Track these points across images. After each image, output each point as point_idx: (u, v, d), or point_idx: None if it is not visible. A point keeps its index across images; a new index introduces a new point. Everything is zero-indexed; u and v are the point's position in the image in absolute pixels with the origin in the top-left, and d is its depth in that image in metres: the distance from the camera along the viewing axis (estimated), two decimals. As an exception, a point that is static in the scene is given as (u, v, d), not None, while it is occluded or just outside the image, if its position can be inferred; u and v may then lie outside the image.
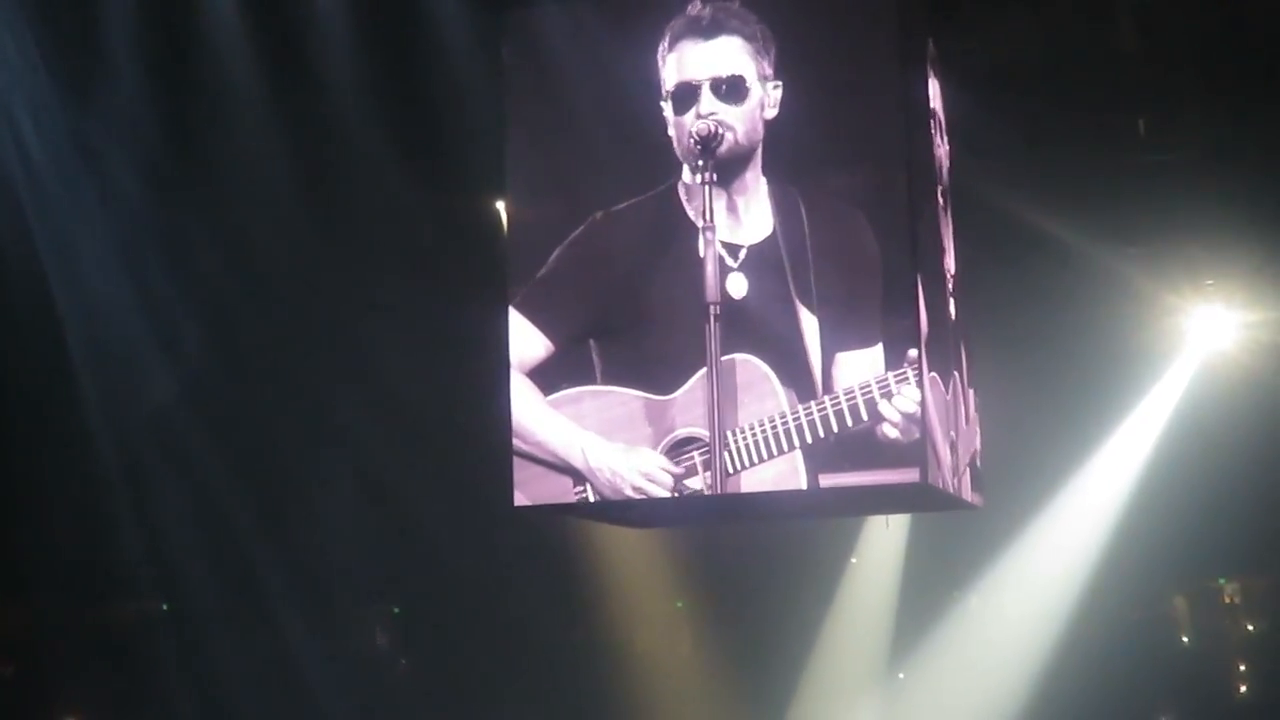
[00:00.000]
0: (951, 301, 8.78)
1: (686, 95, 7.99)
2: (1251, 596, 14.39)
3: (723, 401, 7.83)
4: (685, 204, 8.02)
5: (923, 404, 7.75)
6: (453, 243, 11.79)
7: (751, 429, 7.87)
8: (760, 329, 7.88)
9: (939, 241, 8.64)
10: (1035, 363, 12.19)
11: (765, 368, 7.87)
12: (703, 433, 7.90)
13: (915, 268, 7.86)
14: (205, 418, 12.19)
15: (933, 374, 8.00)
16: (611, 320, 8.08)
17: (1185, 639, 14.61)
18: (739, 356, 7.90)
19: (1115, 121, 10.83)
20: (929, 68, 8.59)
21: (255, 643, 12.83)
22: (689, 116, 7.95)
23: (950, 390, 8.47)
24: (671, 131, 8.01)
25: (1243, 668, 14.69)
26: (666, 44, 8.07)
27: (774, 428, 7.85)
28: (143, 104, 10.56)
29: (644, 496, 8.03)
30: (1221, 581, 14.40)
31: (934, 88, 8.64)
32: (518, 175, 8.42)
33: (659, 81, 8.05)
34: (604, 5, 8.38)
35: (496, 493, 8.28)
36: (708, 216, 7.74)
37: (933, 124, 8.58)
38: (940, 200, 8.71)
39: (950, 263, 8.83)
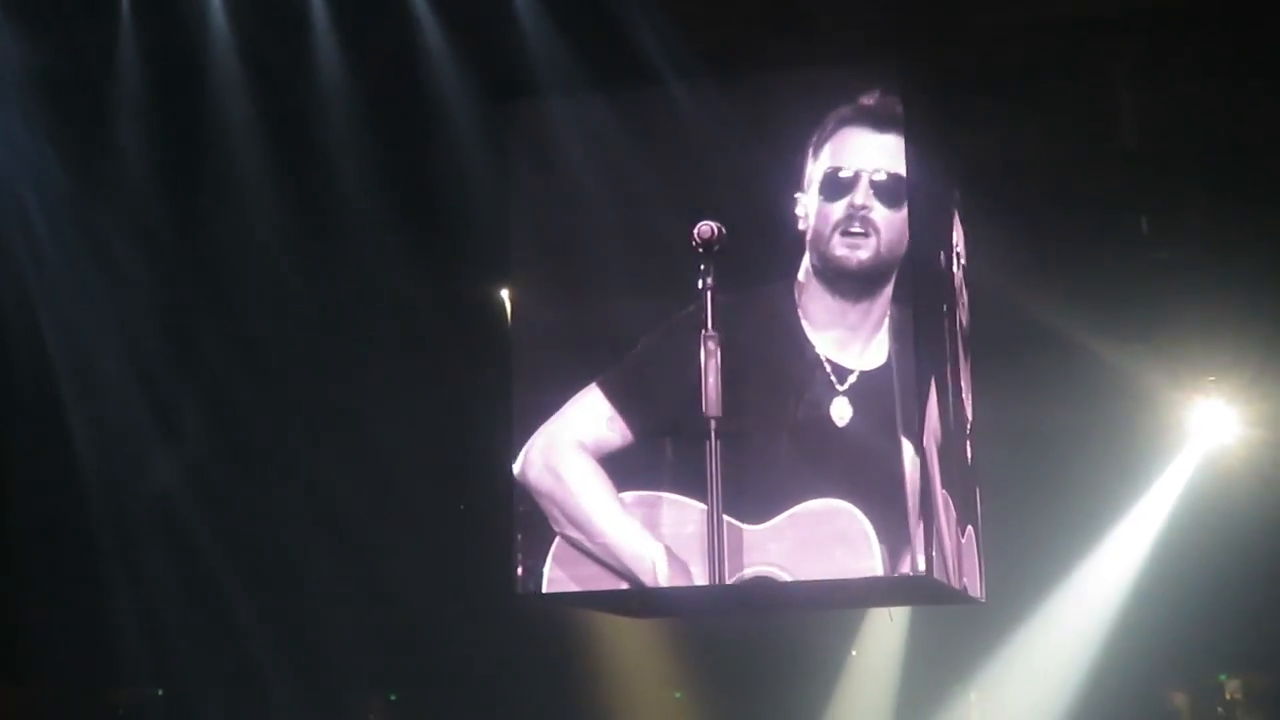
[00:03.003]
0: (969, 446, 8.54)
1: (842, 184, 7.57)
2: (1252, 694, 14.28)
3: (811, 547, 7.37)
4: (799, 306, 7.59)
5: (923, 475, 7.49)
6: (457, 330, 11.78)
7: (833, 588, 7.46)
8: (859, 467, 7.41)
9: (957, 393, 8.43)
10: (1038, 457, 12.18)
11: (866, 523, 7.37)
12: (781, 575, 7.44)
13: (921, 367, 7.61)
14: (205, 503, 12.14)
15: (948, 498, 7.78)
16: (700, 421, 7.51)
17: (1186, 736, 14.52)
18: (838, 503, 7.40)
19: (1118, 219, 10.87)
20: (955, 214, 8.42)
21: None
22: (839, 205, 7.55)
23: (967, 538, 8.25)
24: (811, 220, 7.56)
25: (1244, 765, 14.59)
26: (827, 128, 7.69)
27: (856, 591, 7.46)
28: (150, 191, 10.58)
29: (643, 585, 7.65)
30: (1222, 678, 14.30)
31: (957, 227, 8.51)
32: (522, 266, 8.36)
33: (801, 166, 7.65)
34: (612, 99, 8.31)
35: (497, 580, 8.21)
36: (709, 324, 7.35)
37: (955, 268, 8.42)
38: (962, 345, 8.51)
39: (968, 410, 8.61)
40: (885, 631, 13.29)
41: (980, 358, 9.18)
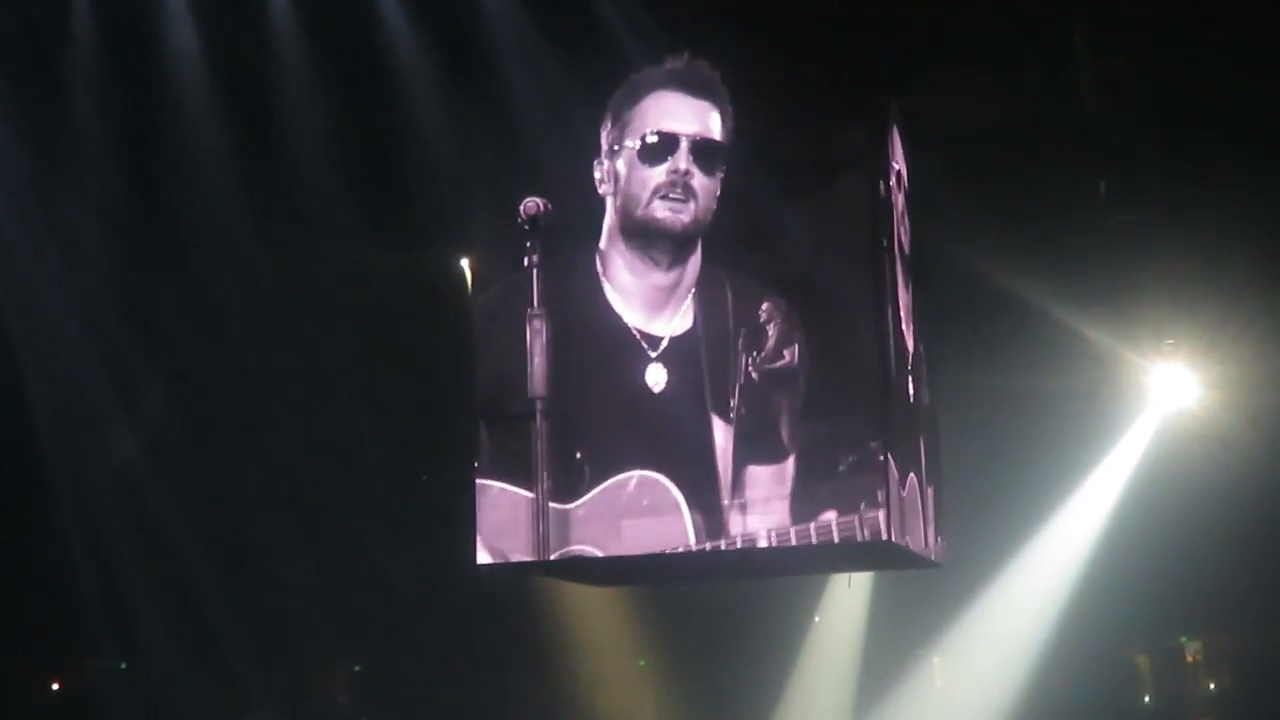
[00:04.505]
0: (910, 382, 8.24)
1: (662, 148, 7.38)
2: (1213, 655, 14.39)
3: (624, 520, 7.23)
4: (601, 274, 7.45)
5: (885, 448, 7.31)
6: (418, 300, 11.75)
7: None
8: (672, 435, 7.29)
9: (896, 325, 8.30)
10: (997, 421, 12.20)
11: (675, 492, 7.25)
12: (596, 554, 7.31)
13: (884, 355, 7.43)
14: (167, 477, 12.11)
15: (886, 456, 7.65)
16: (504, 399, 7.33)
17: (1147, 698, 14.61)
18: (648, 475, 7.29)
19: (1076, 182, 10.89)
20: (891, 127, 8.33)
21: (214, 701, 12.72)
22: (658, 170, 7.37)
23: (907, 488, 8.14)
24: (623, 184, 7.39)
25: (1204, 727, 14.70)
26: (634, 92, 7.49)
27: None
28: (110, 167, 10.52)
29: (607, 555, 7.43)
30: (1183, 640, 14.41)
31: (896, 145, 8.41)
32: (483, 236, 8.28)
33: (597, 128, 7.47)
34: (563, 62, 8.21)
35: (459, 551, 8.20)
36: (535, 302, 7.01)
37: (896, 190, 8.32)
38: (900, 276, 8.37)
39: (909, 342, 8.47)
40: (848, 597, 13.32)
41: (937, 322, 9.17)
